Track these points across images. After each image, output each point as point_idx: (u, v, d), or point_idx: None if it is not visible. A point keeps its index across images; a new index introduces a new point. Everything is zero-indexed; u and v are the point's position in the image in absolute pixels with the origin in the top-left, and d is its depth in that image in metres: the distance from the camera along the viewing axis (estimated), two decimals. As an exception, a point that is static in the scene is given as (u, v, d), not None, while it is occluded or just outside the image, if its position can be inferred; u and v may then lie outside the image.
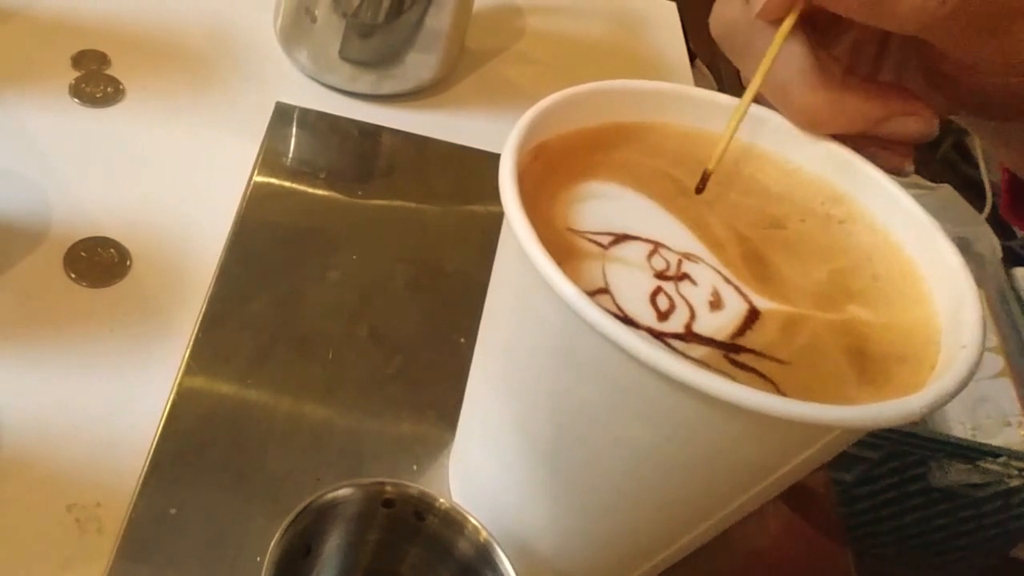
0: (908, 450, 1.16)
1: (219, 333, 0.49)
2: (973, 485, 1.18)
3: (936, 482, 1.19)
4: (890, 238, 0.34)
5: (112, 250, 0.51)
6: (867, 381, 0.30)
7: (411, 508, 0.35)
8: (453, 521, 0.35)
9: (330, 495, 0.34)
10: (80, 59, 0.64)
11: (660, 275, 0.31)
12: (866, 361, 0.30)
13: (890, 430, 1.13)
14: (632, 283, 0.30)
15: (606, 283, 0.30)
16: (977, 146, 1.72)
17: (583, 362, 0.29)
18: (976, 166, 1.71)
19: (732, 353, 0.29)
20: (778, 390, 0.28)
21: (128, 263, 0.51)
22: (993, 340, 1.31)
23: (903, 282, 0.33)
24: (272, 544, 0.31)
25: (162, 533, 0.41)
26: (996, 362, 1.29)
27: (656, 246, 0.32)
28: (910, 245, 0.33)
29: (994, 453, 1.15)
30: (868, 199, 0.34)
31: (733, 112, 0.33)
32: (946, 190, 1.50)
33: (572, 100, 0.34)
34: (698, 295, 0.31)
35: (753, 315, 0.30)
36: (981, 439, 1.21)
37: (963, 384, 0.27)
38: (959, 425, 1.24)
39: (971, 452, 1.15)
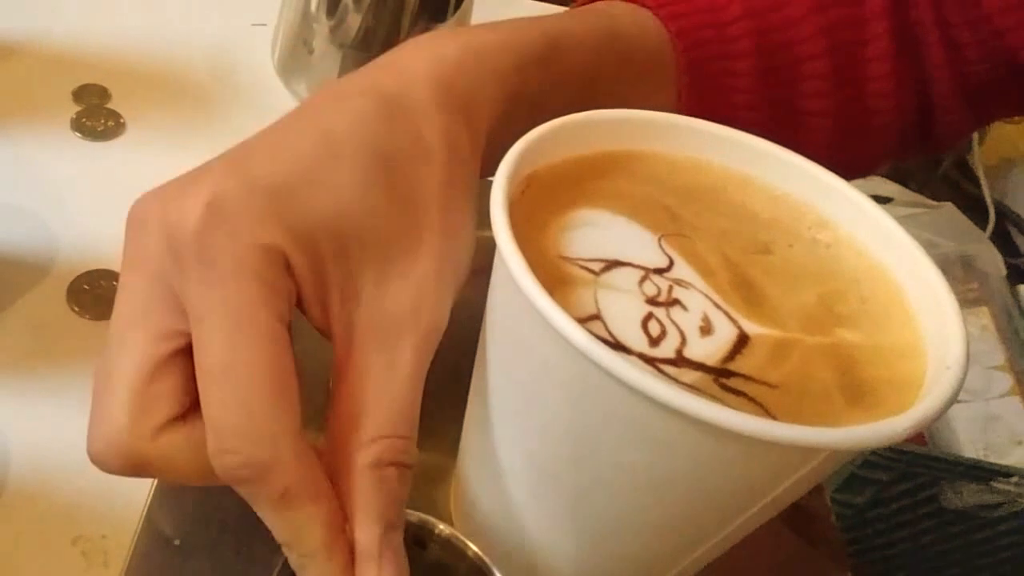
0: (919, 472, 1.15)
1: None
2: (986, 506, 1.17)
3: (949, 504, 1.18)
4: (875, 261, 0.35)
5: (115, 283, 0.52)
6: (856, 403, 0.30)
7: (412, 536, 0.36)
8: (453, 548, 0.35)
9: None
10: (81, 93, 0.65)
11: (651, 301, 0.32)
12: (855, 383, 0.31)
13: (900, 452, 1.12)
14: (623, 309, 0.31)
15: (598, 309, 0.31)
16: (978, 163, 1.72)
17: (576, 389, 0.30)
18: (978, 184, 1.71)
19: (723, 378, 0.30)
20: (768, 414, 0.29)
21: (130, 295, 0.52)
22: (1001, 359, 1.30)
23: (889, 305, 0.33)
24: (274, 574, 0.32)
25: (167, 564, 0.41)
26: (1005, 381, 1.29)
27: (647, 272, 0.32)
28: (895, 268, 0.34)
29: (1006, 473, 1.14)
30: (853, 223, 0.35)
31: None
32: (948, 208, 1.50)
33: (561, 130, 0.35)
34: (689, 320, 0.31)
35: (743, 340, 0.31)
36: (993, 459, 1.20)
37: (948, 404, 0.28)
38: (970, 445, 1.24)
39: (983, 472, 1.14)
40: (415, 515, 0.35)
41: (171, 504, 0.43)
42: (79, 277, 0.52)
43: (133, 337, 0.30)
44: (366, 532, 0.30)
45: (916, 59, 0.48)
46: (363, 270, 0.31)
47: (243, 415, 0.28)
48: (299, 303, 0.32)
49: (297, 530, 0.30)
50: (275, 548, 0.33)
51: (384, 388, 0.31)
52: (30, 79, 0.65)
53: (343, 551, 0.30)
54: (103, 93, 0.65)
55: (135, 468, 0.30)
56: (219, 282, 0.29)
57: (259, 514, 0.30)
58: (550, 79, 0.39)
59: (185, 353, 0.30)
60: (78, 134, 0.62)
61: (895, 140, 0.50)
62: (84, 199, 0.57)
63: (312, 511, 0.29)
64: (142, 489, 0.44)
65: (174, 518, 0.43)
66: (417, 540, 0.36)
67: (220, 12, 0.74)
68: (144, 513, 0.43)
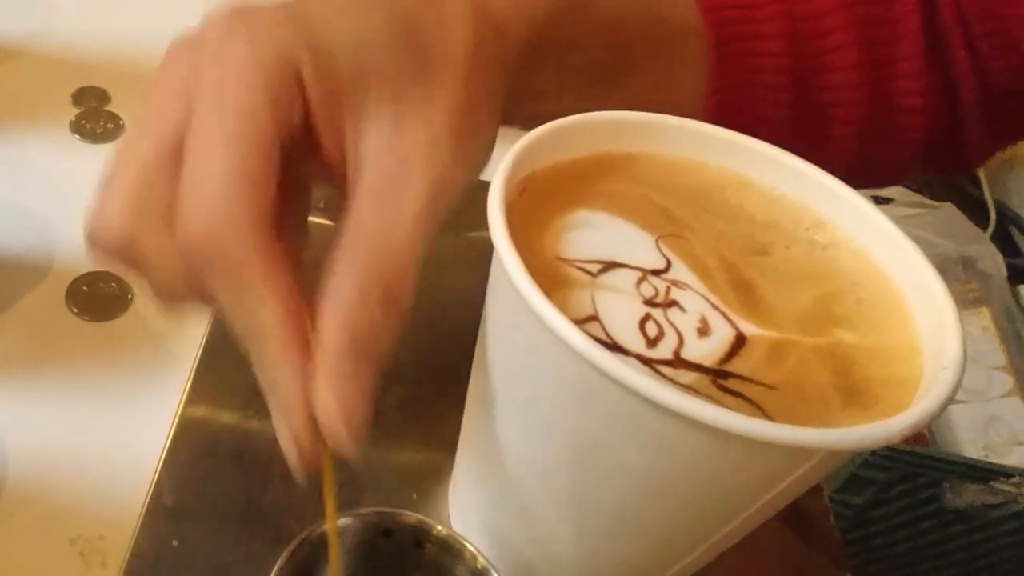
0: (919, 472, 1.15)
1: (220, 365, 0.50)
2: (987, 506, 1.17)
3: (949, 504, 1.18)
4: (873, 263, 0.35)
5: (113, 284, 0.52)
6: (853, 404, 0.30)
7: (411, 537, 0.36)
8: (451, 548, 0.36)
9: (328, 526, 0.34)
10: (80, 96, 0.65)
11: (649, 302, 0.32)
12: (851, 384, 0.31)
13: (900, 452, 1.12)
14: (621, 310, 0.31)
15: (595, 310, 0.31)
16: (979, 164, 1.72)
17: (574, 391, 0.30)
18: (979, 184, 1.71)
19: (720, 379, 0.30)
20: (765, 414, 0.29)
21: (129, 297, 0.52)
22: (1002, 359, 1.30)
23: (886, 306, 0.33)
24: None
25: (165, 565, 0.41)
26: (1006, 381, 1.29)
27: (644, 273, 0.33)
28: (892, 269, 0.34)
29: (1007, 473, 1.14)
30: (850, 225, 0.35)
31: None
32: (949, 208, 1.50)
33: (559, 132, 0.35)
34: (686, 322, 0.31)
35: (740, 341, 0.31)
36: (993, 459, 1.20)
37: (944, 405, 0.28)
38: (970, 445, 1.24)
39: (983, 472, 1.14)
40: (413, 516, 0.35)
41: (169, 504, 0.43)
42: (78, 278, 0.52)
43: (149, 127, 0.31)
44: (330, 336, 0.29)
45: (943, 62, 0.48)
46: (380, 104, 0.31)
47: (206, 188, 0.28)
48: (313, 129, 0.31)
49: (248, 310, 0.29)
50: (274, 549, 0.34)
51: (385, 227, 0.31)
52: (30, 81, 0.65)
53: (299, 343, 0.29)
54: (103, 96, 0.65)
55: (123, 247, 0.30)
56: (224, 72, 0.30)
57: (218, 301, 0.29)
58: (580, 28, 0.39)
59: None
60: (77, 136, 0.62)
61: (921, 142, 0.50)
62: (83, 201, 0.57)
63: (264, 293, 0.29)
64: (140, 490, 0.44)
65: (172, 519, 0.43)
66: (416, 541, 0.36)
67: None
68: (142, 514, 0.43)
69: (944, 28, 0.48)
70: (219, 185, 0.28)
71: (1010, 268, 1.42)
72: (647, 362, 0.30)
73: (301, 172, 0.31)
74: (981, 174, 1.70)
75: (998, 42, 0.47)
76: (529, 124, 0.35)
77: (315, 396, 0.29)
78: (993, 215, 1.64)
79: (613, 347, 0.30)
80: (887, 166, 0.52)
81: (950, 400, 0.28)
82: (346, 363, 0.29)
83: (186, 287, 0.30)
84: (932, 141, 0.50)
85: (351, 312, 0.29)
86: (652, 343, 0.30)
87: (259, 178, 0.29)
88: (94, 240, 0.31)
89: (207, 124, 0.29)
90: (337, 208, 0.32)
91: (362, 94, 0.31)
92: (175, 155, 0.30)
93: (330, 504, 0.32)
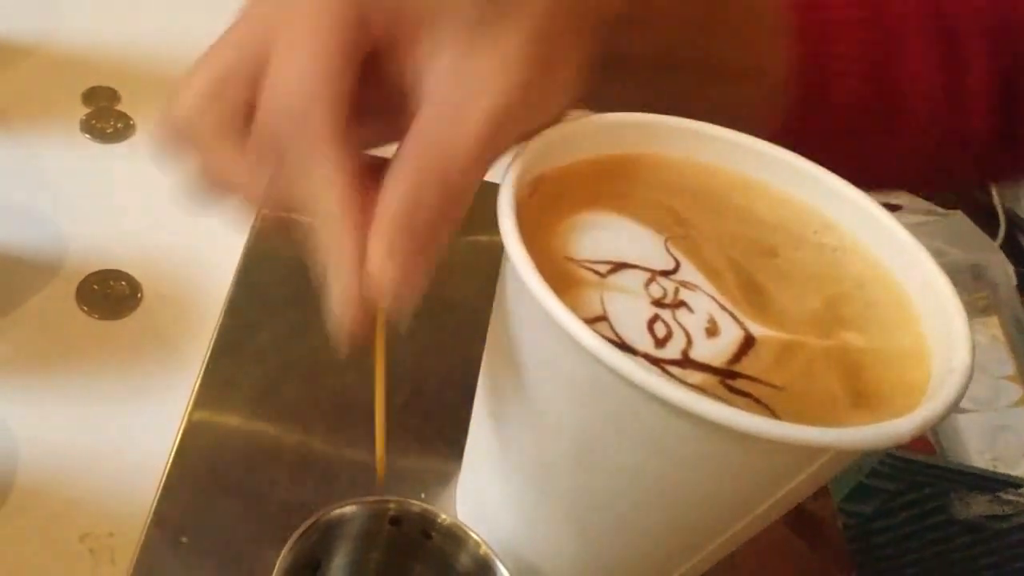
0: (927, 482, 1.15)
1: (229, 364, 0.50)
2: (995, 517, 1.17)
3: (957, 514, 1.17)
4: (881, 265, 0.35)
5: (123, 283, 0.53)
6: (860, 405, 0.30)
7: (418, 527, 0.36)
8: (455, 537, 0.36)
9: (336, 512, 0.34)
10: (91, 96, 0.65)
11: (657, 303, 0.32)
12: (859, 386, 0.31)
13: (908, 461, 1.12)
14: (630, 311, 0.31)
15: (604, 311, 0.31)
16: (990, 173, 1.72)
17: (582, 389, 0.30)
18: (989, 192, 1.70)
19: (728, 379, 0.30)
20: (773, 414, 0.29)
21: (139, 296, 0.52)
22: (1010, 369, 1.30)
23: (894, 308, 0.33)
24: (279, 559, 0.32)
25: (174, 562, 0.42)
26: (1014, 391, 1.28)
27: (653, 274, 0.33)
28: (900, 271, 0.34)
29: (1016, 483, 1.13)
30: (859, 227, 0.35)
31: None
32: (959, 216, 1.49)
33: (568, 133, 0.35)
34: (695, 322, 0.31)
35: (749, 342, 0.31)
36: (1002, 470, 1.20)
37: (952, 407, 0.28)
38: (978, 455, 1.23)
39: (992, 483, 1.14)
40: (417, 505, 0.36)
41: (178, 502, 0.44)
42: (88, 277, 0.52)
43: (238, 37, 0.33)
44: (389, 208, 0.30)
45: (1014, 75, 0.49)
46: (454, 33, 0.31)
47: (298, 70, 0.30)
48: (376, 66, 0.32)
49: (315, 188, 0.30)
50: (281, 547, 0.34)
51: (450, 135, 0.31)
52: (40, 81, 0.66)
53: (359, 220, 0.30)
54: (113, 95, 0.65)
55: (192, 129, 0.32)
56: (303, 4, 0.31)
57: (284, 181, 0.31)
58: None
59: None
60: (88, 136, 0.62)
61: (987, 153, 0.50)
62: (93, 200, 0.58)
63: (332, 172, 0.30)
64: (149, 487, 0.44)
65: (181, 516, 0.43)
66: (424, 532, 0.36)
67: (229, 14, 0.74)
68: (151, 511, 0.43)
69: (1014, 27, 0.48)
70: (307, 67, 0.30)
71: (1020, 277, 1.41)
72: (655, 362, 0.30)
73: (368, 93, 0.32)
74: (991, 181, 1.70)
75: (1005, 47, 0.48)
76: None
77: (369, 256, 0.30)
78: (1003, 223, 1.63)
79: (622, 347, 0.30)
80: (954, 175, 0.52)
81: (958, 402, 0.28)
82: (400, 231, 0.30)
83: (244, 172, 0.32)
84: (1000, 150, 0.51)
85: (408, 192, 0.30)
86: (661, 343, 0.30)
87: (340, 74, 0.30)
88: (164, 119, 0.33)
89: (292, 31, 0.31)
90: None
91: (432, 26, 0.31)
92: (256, 62, 0.31)
93: (380, 372, 0.33)
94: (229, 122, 0.32)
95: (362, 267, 0.30)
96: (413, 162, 0.31)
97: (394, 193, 0.30)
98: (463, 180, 0.31)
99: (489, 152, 0.31)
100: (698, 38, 0.42)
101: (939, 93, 0.47)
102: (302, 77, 0.30)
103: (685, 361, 0.30)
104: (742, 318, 0.32)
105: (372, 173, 0.31)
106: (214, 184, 0.33)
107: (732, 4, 0.44)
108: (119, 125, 0.63)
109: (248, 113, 0.32)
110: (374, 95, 0.32)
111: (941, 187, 0.52)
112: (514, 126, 0.32)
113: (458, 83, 0.31)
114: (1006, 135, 0.50)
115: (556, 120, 0.34)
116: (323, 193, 0.30)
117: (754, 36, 0.45)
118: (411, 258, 0.30)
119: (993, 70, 0.48)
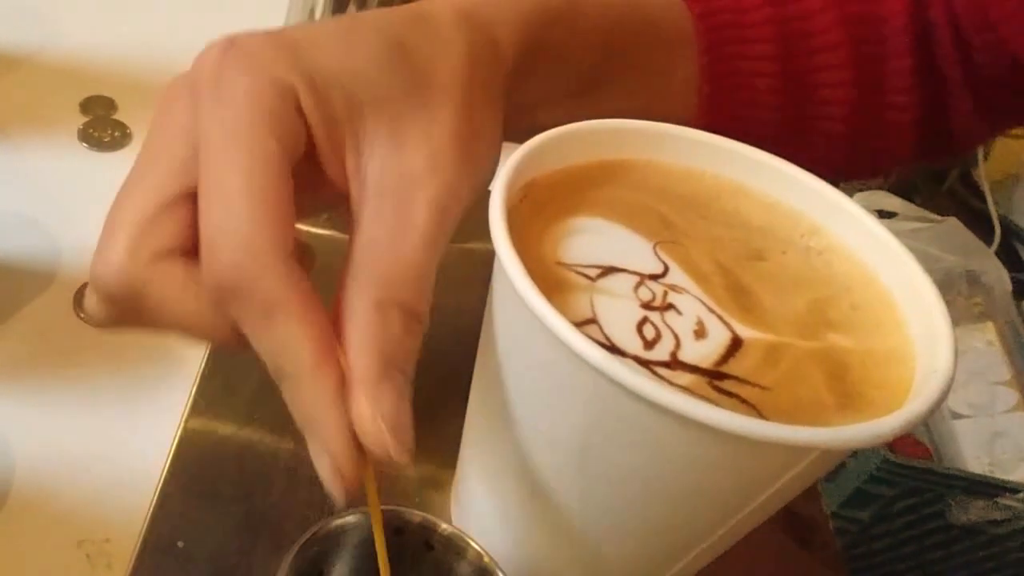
0: (924, 487, 1.15)
1: (225, 370, 0.50)
2: (992, 522, 1.17)
3: (955, 520, 1.17)
4: (867, 268, 0.35)
5: (120, 291, 0.53)
6: (846, 406, 0.31)
7: (420, 536, 0.36)
8: (456, 546, 0.36)
9: (336, 522, 0.34)
10: (88, 104, 0.65)
11: (646, 305, 0.32)
12: (845, 387, 0.31)
13: (905, 467, 1.12)
14: (619, 313, 0.32)
15: (594, 314, 0.31)
16: (984, 178, 1.72)
17: (573, 392, 0.30)
18: (983, 198, 1.71)
19: (716, 380, 0.30)
20: (760, 415, 0.29)
21: (135, 303, 0.52)
22: (1006, 374, 1.30)
23: (880, 311, 0.34)
24: (279, 570, 0.32)
25: (170, 567, 0.42)
26: (1011, 396, 1.29)
27: (642, 278, 0.33)
28: (885, 274, 0.35)
29: (1013, 488, 1.13)
30: (845, 231, 0.36)
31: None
32: (953, 223, 1.50)
33: (559, 139, 0.35)
34: (683, 324, 0.32)
35: (736, 343, 0.32)
36: (999, 475, 1.20)
37: (934, 407, 0.28)
38: (975, 460, 1.23)
39: (989, 488, 1.14)
40: (417, 515, 0.36)
41: (174, 508, 0.44)
42: (85, 284, 0.53)
43: (151, 170, 0.31)
44: (361, 360, 0.29)
45: (931, 58, 0.49)
46: (378, 126, 0.31)
47: (231, 224, 0.28)
48: (315, 156, 0.31)
49: (282, 348, 0.29)
50: (277, 552, 0.34)
51: (396, 244, 0.31)
52: (38, 90, 0.66)
53: (333, 375, 0.29)
54: (110, 104, 0.66)
55: (130, 292, 0.30)
56: (226, 106, 0.30)
57: (248, 336, 0.29)
58: (571, 34, 0.40)
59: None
60: (85, 145, 0.62)
61: (910, 138, 0.51)
62: (90, 209, 0.57)
63: (297, 330, 0.29)
64: (146, 493, 0.44)
65: (177, 521, 0.43)
66: (426, 542, 0.36)
67: (226, 22, 0.74)
68: (148, 516, 0.43)
69: (934, 24, 0.48)
70: (244, 218, 0.28)
71: (1015, 282, 1.42)
72: (644, 364, 0.30)
73: (305, 198, 0.31)
74: (986, 188, 1.71)
75: (987, 38, 0.48)
76: (521, 137, 0.35)
77: (358, 417, 0.29)
78: (998, 229, 1.64)
79: (611, 349, 0.30)
80: (879, 159, 0.53)
81: (941, 401, 0.29)
82: (379, 381, 0.29)
83: (211, 325, 0.30)
84: (922, 134, 0.51)
85: (374, 333, 0.30)
86: (649, 345, 0.31)
87: (280, 208, 0.29)
88: (95, 283, 0.31)
89: (218, 159, 0.29)
90: (342, 222, 0.33)
91: (359, 118, 0.31)
92: (183, 194, 0.30)
93: (376, 516, 0.32)
94: (174, 273, 0.30)
95: (344, 422, 0.29)
96: (370, 292, 0.30)
97: (360, 342, 0.30)
98: (419, 295, 0.31)
99: (439, 243, 0.31)
100: (602, 64, 0.42)
101: (854, 75, 0.48)
102: (240, 230, 0.28)
103: (673, 363, 0.30)
104: (730, 320, 0.32)
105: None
106: (192, 333, 0.31)
107: (628, 27, 0.43)
108: (116, 134, 0.63)
109: (188, 240, 0.30)
110: (316, 190, 0.32)
111: (874, 172, 0.52)
112: (454, 212, 0.32)
113: (396, 186, 0.31)
114: (932, 126, 0.51)
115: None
116: (290, 354, 0.29)
117: (657, 53, 0.45)
118: (398, 402, 0.29)
119: (911, 45, 0.48)
